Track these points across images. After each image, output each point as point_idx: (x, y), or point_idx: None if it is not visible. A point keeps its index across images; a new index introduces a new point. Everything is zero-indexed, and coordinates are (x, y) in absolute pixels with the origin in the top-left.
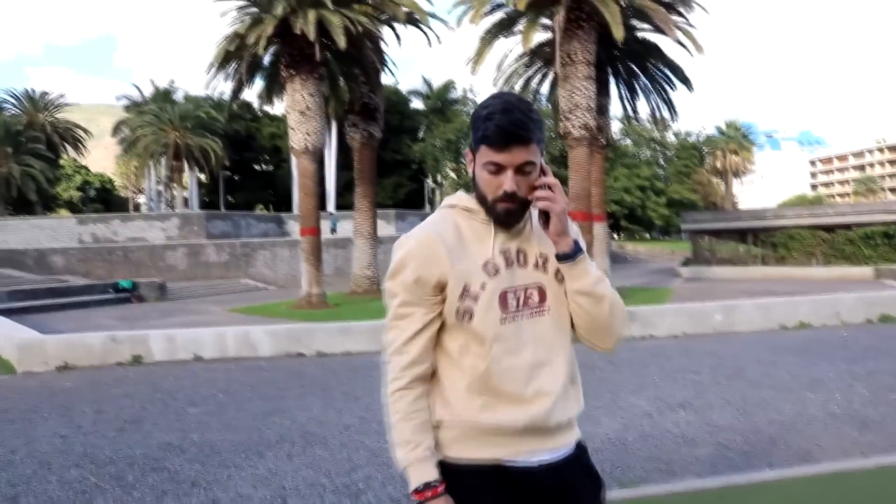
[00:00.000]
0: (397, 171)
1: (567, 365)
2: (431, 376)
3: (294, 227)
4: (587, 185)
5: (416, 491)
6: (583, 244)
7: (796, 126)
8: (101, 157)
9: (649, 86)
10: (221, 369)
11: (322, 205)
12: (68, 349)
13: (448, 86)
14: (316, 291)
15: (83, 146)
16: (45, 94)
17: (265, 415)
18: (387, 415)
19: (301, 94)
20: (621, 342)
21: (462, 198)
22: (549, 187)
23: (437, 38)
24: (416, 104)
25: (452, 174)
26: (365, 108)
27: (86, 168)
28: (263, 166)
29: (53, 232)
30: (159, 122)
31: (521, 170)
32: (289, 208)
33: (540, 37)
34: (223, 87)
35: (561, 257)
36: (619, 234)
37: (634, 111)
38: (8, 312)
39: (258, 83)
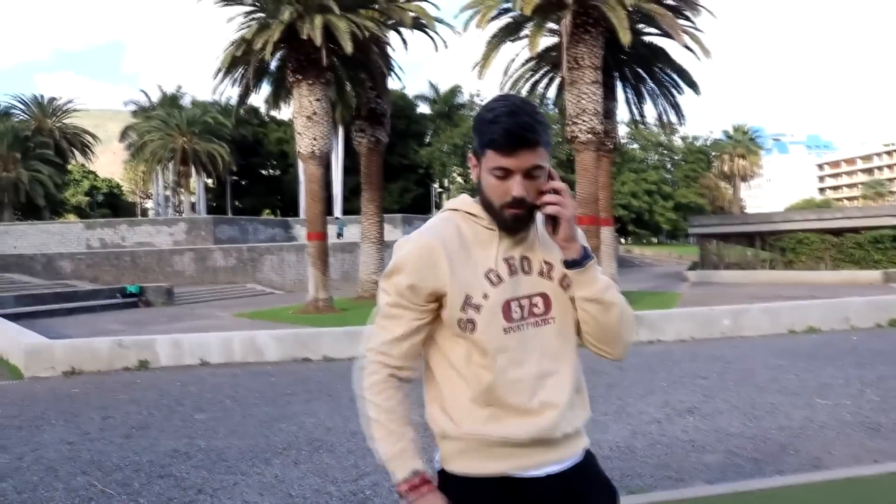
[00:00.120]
0: (404, 175)
1: (573, 374)
2: (433, 386)
3: (301, 232)
4: (594, 190)
5: (405, 480)
6: (590, 250)
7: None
8: (108, 162)
9: (656, 90)
10: (228, 374)
11: (329, 210)
12: (75, 354)
13: (455, 90)
14: (323, 296)
15: (91, 151)
16: (54, 99)
17: (272, 421)
18: (363, 408)
19: (308, 99)
20: (630, 349)
21: (465, 202)
22: (558, 192)
23: (444, 42)
24: (423, 109)
25: (459, 179)
26: (372, 112)
27: (94, 173)
28: (270, 171)
29: (61, 237)
30: (167, 128)
31: (529, 174)
32: (296, 213)
33: (547, 41)
34: (230, 93)
35: (570, 264)
36: (626, 239)
37: (641, 115)
38: (16, 317)
39: (265, 88)
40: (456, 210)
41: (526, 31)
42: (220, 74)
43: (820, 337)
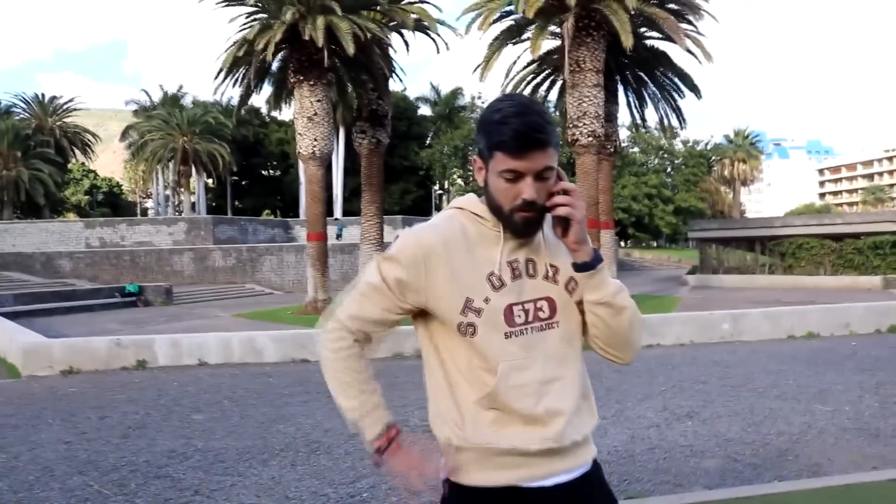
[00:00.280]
0: (404, 177)
1: (578, 380)
2: (436, 389)
3: (301, 233)
4: (595, 193)
5: (379, 435)
6: (600, 252)
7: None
8: (109, 161)
9: (658, 93)
10: (226, 375)
11: (329, 211)
12: (73, 353)
13: (456, 92)
14: (322, 297)
15: (91, 150)
16: (55, 98)
17: (270, 422)
18: (329, 372)
19: (309, 99)
20: (638, 354)
21: (472, 202)
22: (568, 192)
23: (446, 44)
24: (424, 110)
25: (460, 181)
26: (373, 114)
27: (94, 172)
28: (271, 172)
29: (61, 236)
30: (167, 127)
31: (539, 176)
32: (296, 214)
33: (548, 44)
34: (231, 93)
35: (580, 267)
36: (625, 242)
37: (643, 119)
38: (14, 316)
39: (266, 89)
40: (462, 209)
41: (528, 34)
42: (222, 75)
43: (819, 342)
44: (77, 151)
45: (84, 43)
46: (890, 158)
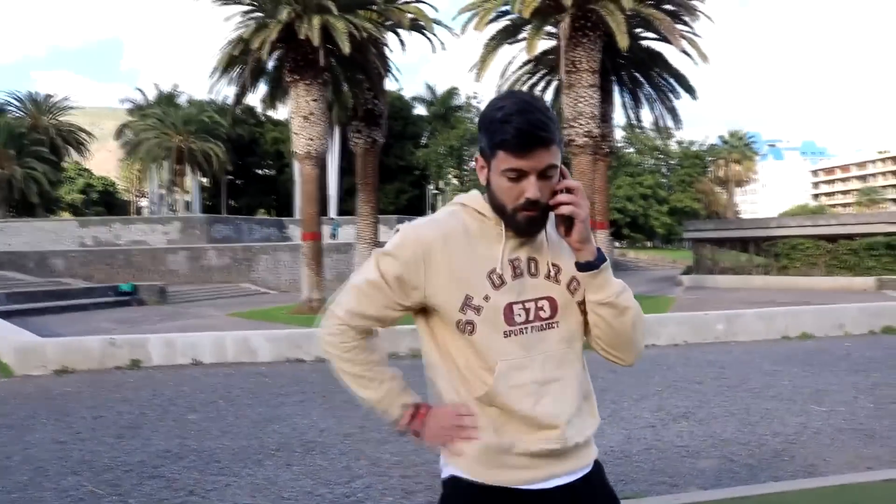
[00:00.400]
0: (400, 177)
1: (579, 381)
2: (438, 385)
3: (296, 232)
4: (590, 193)
5: (401, 416)
6: (603, 252)
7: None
8: (103, 160)
9: (653, 94)
10: (221, 375)
11: (324, 210)
12: (67, 353)
13: (452, 92)
14: (317, 296)
15: (86, 149)
16: (49, 96)
17: (264, 422)
18: (338, 367)
19: (305, 99)
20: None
21: (475, 198)
22: (571, 191)
23: (442, 44)
24: (420, 110)
25: (455, 181)
26: (368, 113)
27: (88, 171)
28: (266, 171)
29: (55, 234)
30: (163, 126)
31: (543, 174)
32: (291, 213)
33: (544, 44)
34: (227, 92)
35: (583, 266)
36: (620, 243)
37: (638, 119)
38: (8, 315)
39: (262, 88)
40: (464, 205)
41: (524, 34)
42: (217, 73)
43: (814, 343)
44: (72, 150)
45: (79, 41)
46: (884, 160)
